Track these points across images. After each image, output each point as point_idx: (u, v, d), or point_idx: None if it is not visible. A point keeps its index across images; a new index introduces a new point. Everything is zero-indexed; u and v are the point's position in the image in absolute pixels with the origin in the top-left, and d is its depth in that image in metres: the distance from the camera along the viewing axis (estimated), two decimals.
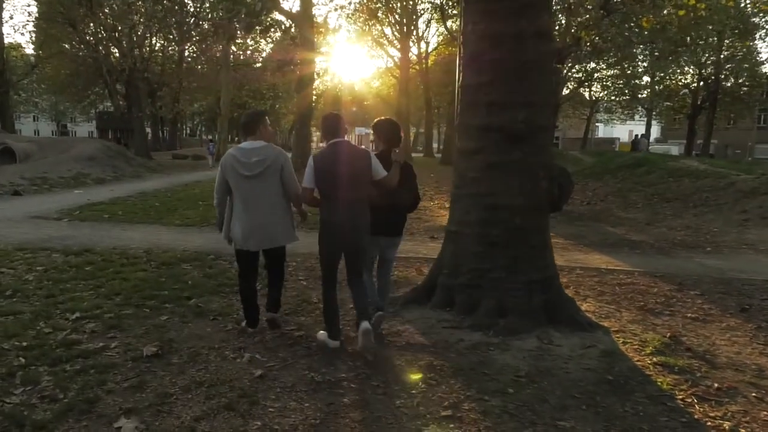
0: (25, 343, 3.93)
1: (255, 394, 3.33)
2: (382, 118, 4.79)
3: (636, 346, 4.38)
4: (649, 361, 4.07)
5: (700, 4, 17.75)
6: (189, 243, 8.08)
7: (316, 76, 25.92)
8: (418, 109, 55.16)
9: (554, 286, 5.03)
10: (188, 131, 69.43)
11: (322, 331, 4.29)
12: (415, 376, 3.70)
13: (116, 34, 31.56)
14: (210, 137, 37.13)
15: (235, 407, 3.16)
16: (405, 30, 39.21)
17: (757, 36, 45.06)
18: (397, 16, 39.34)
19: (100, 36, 32.20)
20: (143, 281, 5.64)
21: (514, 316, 4.76)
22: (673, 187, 13.96)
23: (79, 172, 17.30)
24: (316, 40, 24.09)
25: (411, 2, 38.01)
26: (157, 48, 36.97)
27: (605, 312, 5.33)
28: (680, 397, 3.52)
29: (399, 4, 38.12)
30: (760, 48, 70.96)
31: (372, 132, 4.71)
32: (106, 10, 29.32)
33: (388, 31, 41.49)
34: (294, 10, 22.19)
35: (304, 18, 21.70)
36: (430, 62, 46.01)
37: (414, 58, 43.74)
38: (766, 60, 49.41)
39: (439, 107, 56.00)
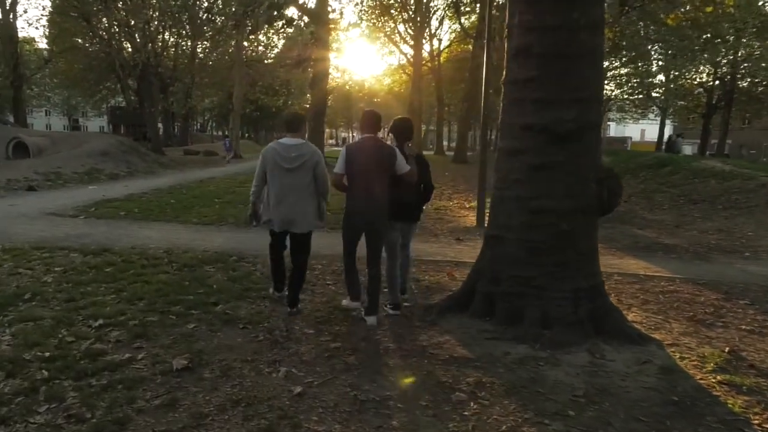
0: (47, 354, 3.69)
1: (296, 415, 3.07)
2: (399, 117, 5.27)
3: (695, 362, 4.09)
4: (713, 380, 3.78)
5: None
6: (208, 243, 7.84)
7: (331, 72, 25.59)
8: (429, 106, 54.79)
9: (601, 294, 4.75)
10: (198, 127, 69.38)
11: (344, 300, 5.06)
12: (465, 396, 3.43)
13: (130, 29, 31.44)
14: (226, 134, 37.06)
15: (277, 430, 2.90)
16: (419, 26, 38.81)
17: None
18: (410, 13, 38.97)
19: (113, 30, 32.07)
20: (166, 285, 5.40)
21: (560, 327, 4.48)
22: (700, 189, 13.58)
23: (92, 167, 17.13)
24: (331, 36, 23.77)
25: None
26: (170, 43, 36.83)
27: (653, 323, 5.03)
28: (756, 422, 3.23)
29: (413, 0, 37.82)
30: None
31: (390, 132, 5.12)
32: (120, 4, 29.12)
33: (401, 27, 41.12)
34: (309, 6, 21.87)
35: (320, 14, 21.41)
36: (442, 59, 45.70)
37: (426, 55, 43.43)
38: None
39: (449, 105, 55.63)
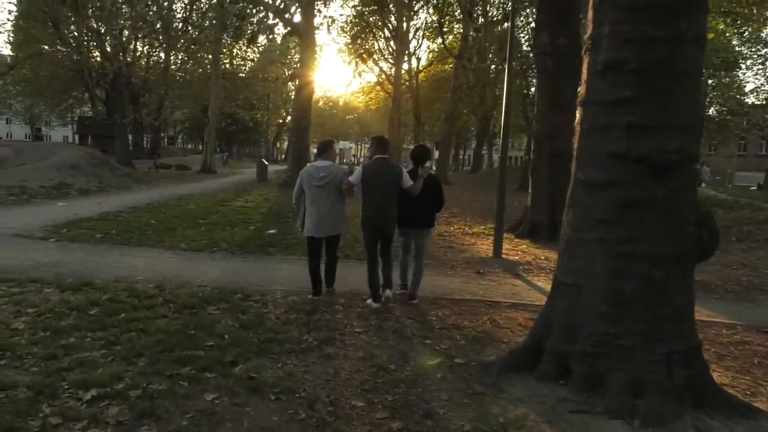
0: None
1: None
2: (417, 144, 6.98)
3: None
4: None
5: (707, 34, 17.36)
6: (203, 274, 6.89)
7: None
8: (405, 124, 54.40)
9: (699, 358, 4.00)
10: (167, 139, 67.49)
11: (368, 300, 5.89)
12: None
13: (101, 37, 30.11)
14: (221, 149, 37.02)
15: None
16: (400, 44, 38.38)
17: (744, 66, 45.61)
18: (392, 30, 38.50)
19: (83, 38, 30.69)
20: (168, 334, 4.45)
21: (654, 397, 3.72)
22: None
23: (61, 181, 15.87)
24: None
25: (405, 14, 37.25)
26: (142, 53, 35.53)
27: (744, 386, 4.32)
28: None
29: (392, 17, 37.38)
30: (747, 78, 72.02)
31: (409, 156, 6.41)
32: (92, 10, 27.81)
33: (381, 44, 40.67)
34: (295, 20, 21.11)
35: (307, 29, 20.67)
36: (420, 78, 45.44)
37: (404, 74, 43.03)
38: (750, 90, 49.80)
39: (425, 124, 55.34)
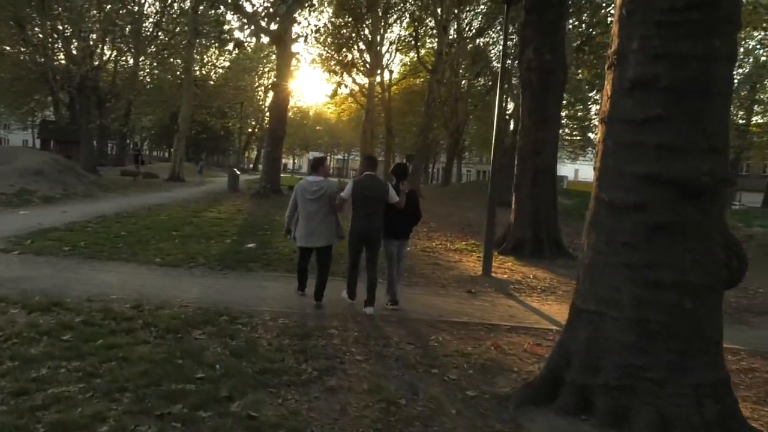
0: None
1: None
2: (399, 163, 7.96)
3: None
4: None
5: None
6: (183, 293, 6.44)
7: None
8: (375, 136, 54.25)
9: (728, 392, 3.80)
10: (132, 146, 65.77)
11: (344, 292, 6.54)
12: None
13: (68, 39, 29.13)
14: (189, 157, 36.49)
15: None
16: (374, 57, 38.24)
17: None
18: (365, 42, 38.33)
19: (49, 39, 29.63)
20: (153, 364, 4.03)
21: None
22: None
23: (23, 187, 15.07)
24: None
25: (380, 27, 37.18)
26: (110, 57, 34.51)
27: (765, 418, 4.14)
28: None
29: (367, 30, 37.23)
30: None
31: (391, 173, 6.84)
32: (60, 10, 26.81)
33: (355, 55, 40.43)
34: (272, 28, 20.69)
35: (285, 38, 20.31)
36: (392, 91, 45.43)
37: (377, 87, 42.90)
38: None
39: (396, 136, 55.30)
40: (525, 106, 11.92)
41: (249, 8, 18.00)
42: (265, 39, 23.61)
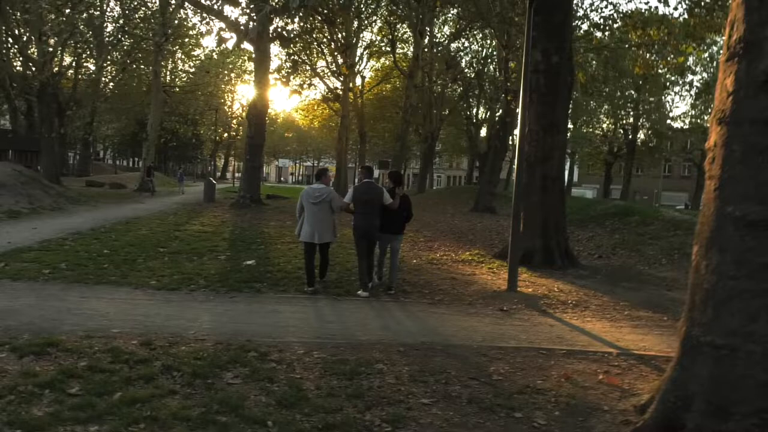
0: None
1: None
2: (393, 169, 10.37)
3: None
4: None
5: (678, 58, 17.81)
6: (193, 322, 5.66)
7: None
8: (353, 141, 53.57)
9: None
10: (95, 155, 63.47)
11: (359, 292, 7.42)
12: None
13: (26, 44, 27.60)
14: (180, 167, 35.30)
15: None
16: (348, 60, 37.55)
17: (674, 91, 48.06)
18: (339, 45, 37.58)
19: (6, 45, 28.04)
20: (191, 425, 3.27)
21: None
22: (689, 242, 12.87)
23: None
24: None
25: (353, 31, 36.55)
26: (70, 63, 32.92)
27: None
28: None
29: (340, 35, 36.53)
30: (676, 102, 76.06)
31: (387, 177, 8.47)
32: (19, 14, 25.33)
33: (328, 60, 39.67)
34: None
35: (262, 42, 19.48)
36: (365, 97, 44.83)
37: (350, 93, 42.21)
38: (680, 114, 52.80)
39: (368, 142, 54.67)
40: (532, 111, 11.39)
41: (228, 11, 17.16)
42: (230, 41, 22.67)
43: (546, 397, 4.18)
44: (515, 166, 9.25)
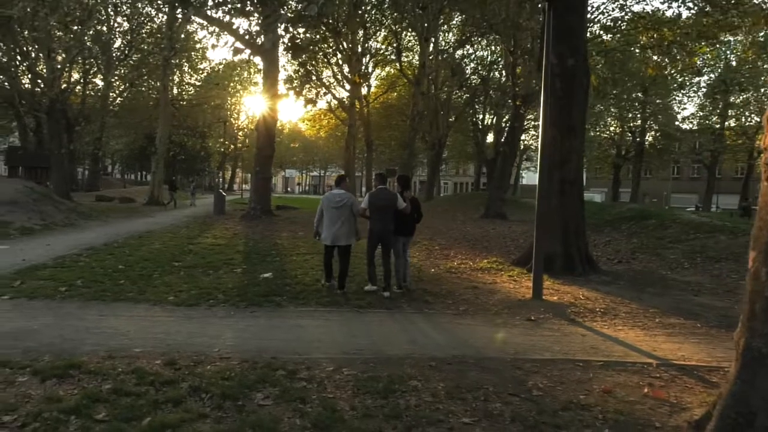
0: None
1: None
2: (402, 174, 10.84)
3: None
4: None
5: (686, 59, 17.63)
6: (216, 339, 5.49)
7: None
8: (360, 150, 53.53)
9: None
10: (103, 170, 63.76)
11: (367, 286, 8.12)
12: None
13: (35, 61, 27.73)
14: (192, 180, 35.14)
15: None
16: (355, 70, 37.53)
17: (681, 93, 47.75)
18: (346, 55, 37.60)
19: (14, 62, 28.17)
20: None
21: None
22: (711, 245, 12.71)
23: None
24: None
25: (359, 41, 36.55)
26: (79, 79, 33.09)
27: None
28: None
29: (346, 43, 36.53)
30: (685, 104, 75.57)
31: (396, 181, 8.67)
32: (26, 32, 25.46)
33: (335, 69, 39.69)
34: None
35: (272, 54, 19.46)
36: (371, 105, 44.80)
37: (356, 102, 42.19)
38: (688, 116, 52.49)
39: (375, 150, 54.62)
40: (547, 115, 11.24)
41: (239, 24, 17.15)
42: (244, 53, 22.70)
43: (592, 414, 3.98)
44: (537, 172, 9.06)
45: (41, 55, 27.29)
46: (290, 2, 13.07)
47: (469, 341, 5.87)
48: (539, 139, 8.83)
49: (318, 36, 32.31)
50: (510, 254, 13.33)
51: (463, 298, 8.06)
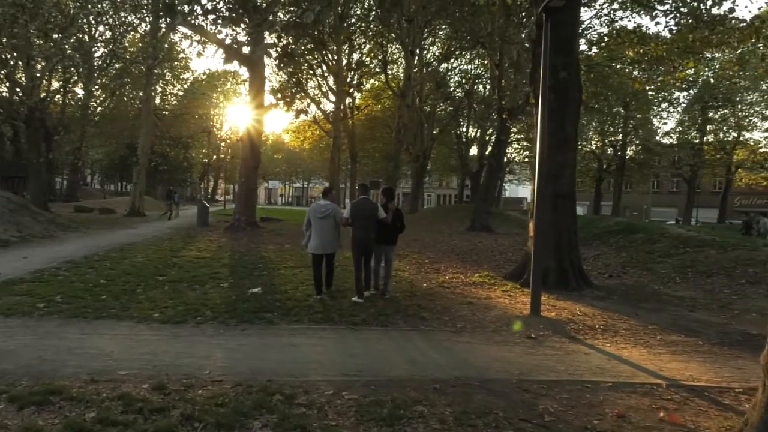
0: None
1: None
2: (387, 186, 12.01)
3: None
4: None
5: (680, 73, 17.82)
6: (206, 360, 5.20)
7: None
8: (344, 162, 53.29)
9: None
10: (82, 180, 62.63)
11: (354, 298, 8.26)
12: None
13: (13, 70, 27.14)
14: (175, 191, 33.98)
15: None
16: (340, 82, 37.41)
17: (663, 108, 48.40)
18: (331, 66, 37.48)
19: None
20: None
21: None
22: (701, 259, 12.68)
23: None
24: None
25: (345, 52, 36.48)
26: (58, 88, 32.46)
27: None
28: None
29: (331, 55, 36.42)
30: (665, 119, 76.61)
31: (381, 193, 9.39)
32: (5, 39, 24.88)
33: (319, 81, 39.55)
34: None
35: (258, 64, 19.23)
36: (355, 117, 44.72)
37: (342, 112, 42.04)
38: (668, 131, 53.26)
39: (359, 162, 54.48)
40: (540, 128, 11.15)
41: (222, 34, 16.88)
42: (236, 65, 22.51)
43: None
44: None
45: (20, 62, 26.74)
46: (279, 11, 12.86)
47: (469, 360, 5.66)
48: (536, 153, 8.71)
49: (303, 48, 32.27)
50: (500, 268, 13.17)
51: (459, 314, 7.85)
